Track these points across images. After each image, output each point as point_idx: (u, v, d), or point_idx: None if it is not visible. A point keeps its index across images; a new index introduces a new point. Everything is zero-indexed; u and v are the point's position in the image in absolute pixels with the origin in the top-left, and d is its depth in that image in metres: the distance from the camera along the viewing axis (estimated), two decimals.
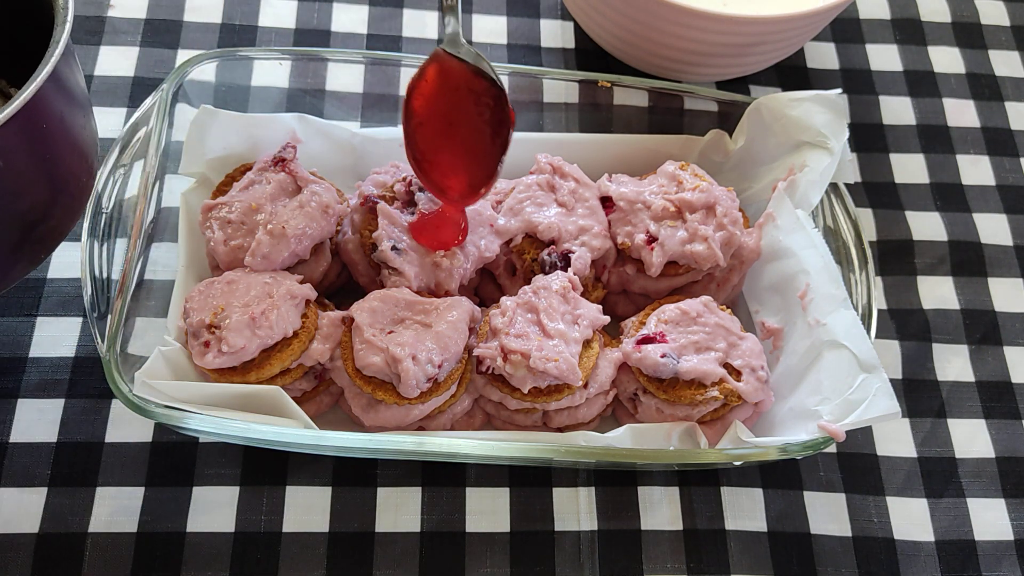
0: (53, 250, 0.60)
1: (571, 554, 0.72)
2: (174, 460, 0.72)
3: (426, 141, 0.70)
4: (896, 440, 0.80)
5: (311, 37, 0.95)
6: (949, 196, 0.94)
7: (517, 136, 0.85)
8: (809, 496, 0.76)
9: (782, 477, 0.76)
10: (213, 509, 0.70)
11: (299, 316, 0.69)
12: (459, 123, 0.69)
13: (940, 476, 0.79)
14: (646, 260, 0.76)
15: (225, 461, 0.72)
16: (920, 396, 0.82)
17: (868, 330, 0.72)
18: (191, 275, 0.74)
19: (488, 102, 0.68)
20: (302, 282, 0.71)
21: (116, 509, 0.70)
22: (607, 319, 0.74)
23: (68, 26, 0.53)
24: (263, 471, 0.72)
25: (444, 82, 0.68)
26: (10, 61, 0.65)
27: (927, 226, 0.91)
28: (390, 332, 0.69)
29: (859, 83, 1.00)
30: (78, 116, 0.59)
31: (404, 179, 0.76)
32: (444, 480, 0.73)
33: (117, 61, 0.91)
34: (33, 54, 0.55)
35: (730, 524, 0.74)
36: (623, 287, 0.80)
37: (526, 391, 0.68)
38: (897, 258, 0.89)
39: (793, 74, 1.00)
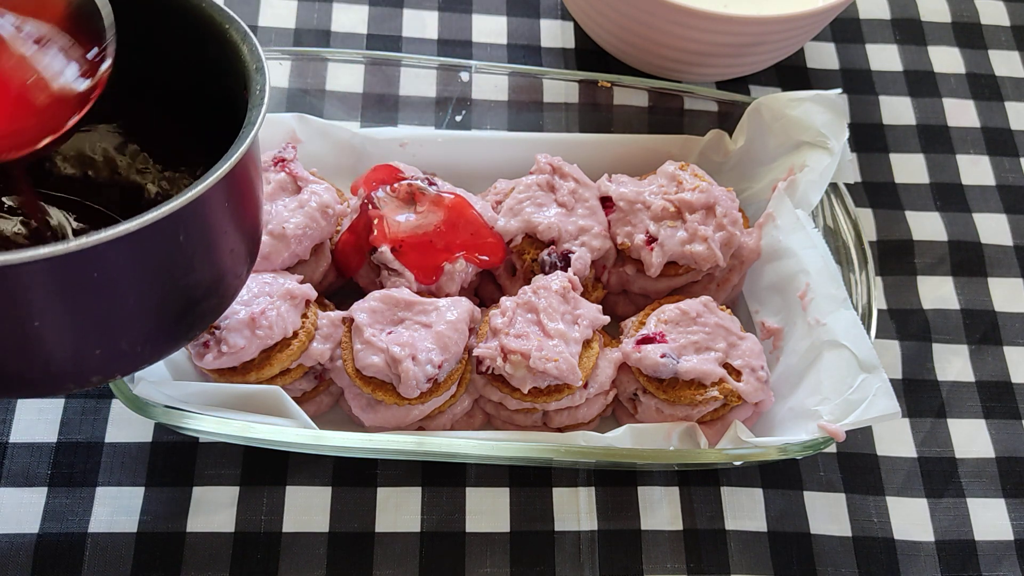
0: (206, 328, 0.58)
1: (571, 554, 0.72)
2: (174, 460, 0.72)
3: None
4: (896, 440, 0.80)
5: (311, 37, 0.95)
6: (949, 196, 0.94)
7: (517, 136, 0.86)
8: (809, 496, 0.76)
9: (782, 477, 0.76)
10: (213, 509, 0.70)
11: (299, 316, 0.69)
12: None
13: (940, 476, 0.79)
14: (646, 260, 0.76)
15: (225, 461, 0.72)
16: (920, 396, 0.82)
17: (868, 330, 0.72)
18: None
19: None
20: (302, 282, 0.71)
21: (116, 509, 0.70)
22: (607, 319, 0.74)
23: (264, 108, 0.52)
24: (263, 471, 0.72)
25: None
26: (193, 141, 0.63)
27: (927, 226, 0.91)
28: (390, 332, 0.69)
29: (859, 83, 1.00)
30: (253, 199, 0.58)
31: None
32: (444, 480, 0.73)
33: None
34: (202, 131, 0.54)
35: (730, 524, 0.74)
36: (623, 287, 0.80)
37: (526, 391, 0.68)
38: (897, 258, 0.89)
39: (793, 74, 1.00)
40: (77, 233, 0.62)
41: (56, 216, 0.64)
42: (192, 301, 0.54)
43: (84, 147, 0.65)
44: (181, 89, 0.60)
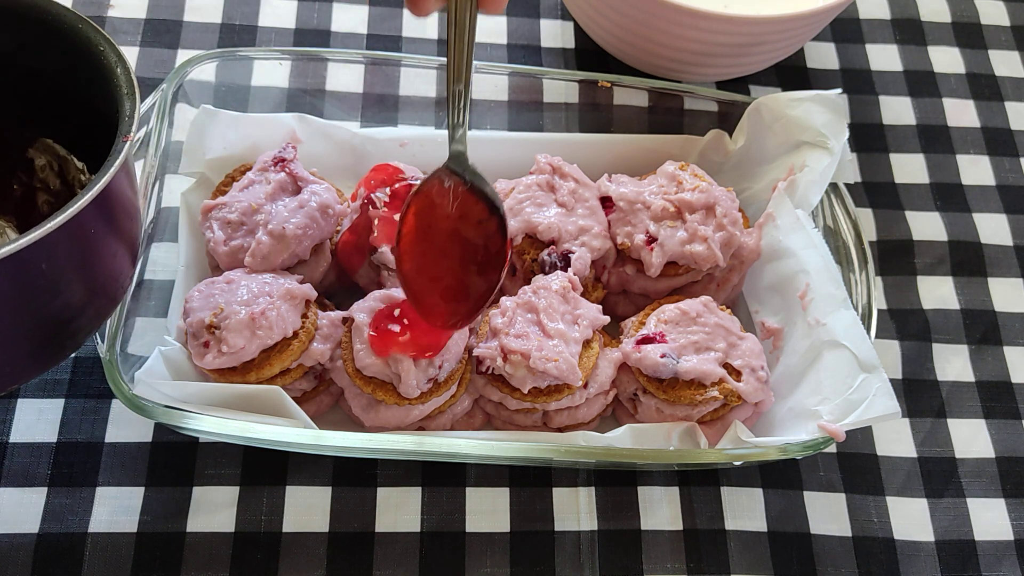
0: (80, 346, 0.59)
1: (571, 554, 0.72)
2: (174, 460, 0.72)
3: (415, 260, 0.66)
4: (896, 440, 0.80)
5: (311, 37, 0.95)
6: (949, 196, 0.94)
7: (517, 136, 0.85)
8: (809, 496, 0.76)
9: (782, 477, 0.76)
10: (213, 509, 0.70)
11: (299, 316, 0.69)
12: (451, 247, 0.65)
13: (940, 476, 0.79)
14: (646, 260, 0.76)
15: (225, 461, 0.72)
16: (920, 396, 0.82)
17: (868, 330, 0.72)
18: (191, 275, 0.74)
19: (485, 228, 0.65)
20: (302, 282, 0.71)
21: (116, 509, 0.70)
22: (607, 319, 0.74)
23: (128, 145, 0.53)
24: (263, 471, 0.72)
25: (441, 202, 0.65)
26: (86, 135, 0.64)
27: (927, 226, 0.91)
28: None
29: (859, 83, 1.00)
30: (125, 222, 0.59)
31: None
32: (444, 480, 0.73)
33: None
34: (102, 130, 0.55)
35: (730, 524, 0.74)
36: (623, 287, 0.80)
37: (526, 391, 0.68)
38: (897, 258, 0.89)
39: (793, 74, 1.00)
40: None
41: None
42: (62, 323, 0.55)
43: None
44: (70, 107, 0.61)
